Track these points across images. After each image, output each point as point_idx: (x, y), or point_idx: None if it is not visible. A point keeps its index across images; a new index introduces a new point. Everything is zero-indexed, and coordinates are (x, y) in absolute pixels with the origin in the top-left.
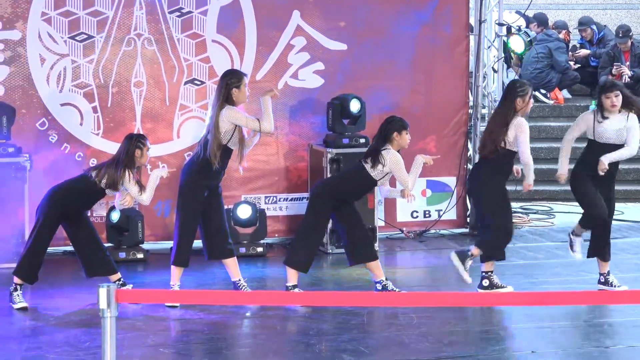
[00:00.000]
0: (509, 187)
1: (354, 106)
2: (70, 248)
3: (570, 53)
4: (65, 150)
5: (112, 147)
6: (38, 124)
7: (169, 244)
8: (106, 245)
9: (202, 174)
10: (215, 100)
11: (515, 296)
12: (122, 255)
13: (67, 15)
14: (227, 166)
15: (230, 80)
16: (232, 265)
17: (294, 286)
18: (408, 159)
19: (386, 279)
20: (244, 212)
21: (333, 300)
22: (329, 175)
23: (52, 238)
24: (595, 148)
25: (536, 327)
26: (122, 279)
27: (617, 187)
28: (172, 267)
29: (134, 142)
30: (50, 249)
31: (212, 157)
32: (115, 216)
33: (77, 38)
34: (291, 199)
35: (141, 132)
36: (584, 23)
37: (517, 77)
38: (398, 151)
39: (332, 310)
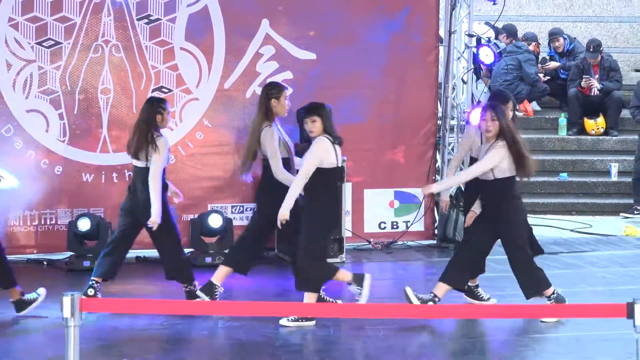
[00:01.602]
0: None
1: None
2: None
3: (539, 65)
4: (31, 157)
5: (78, 155)
6: (3, 130)
7: (136, 252)
8: (68, 254)
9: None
10: (257, 111)
11: (481, 309)
12: (87, 264)
13: (35, 20)
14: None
15: (270, 90)
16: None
17: None
18: (379, 169)
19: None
20: (214, 221)
21: (297, 311)
22: None
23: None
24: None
25: (504, 339)
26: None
27: (585, 200)
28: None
29: (154, 107)
30: (12, 257)
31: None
32: (84, 225)
33: (44, 44)
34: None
35: (107, 137)
36: (555, 33)
37: (486, 89)
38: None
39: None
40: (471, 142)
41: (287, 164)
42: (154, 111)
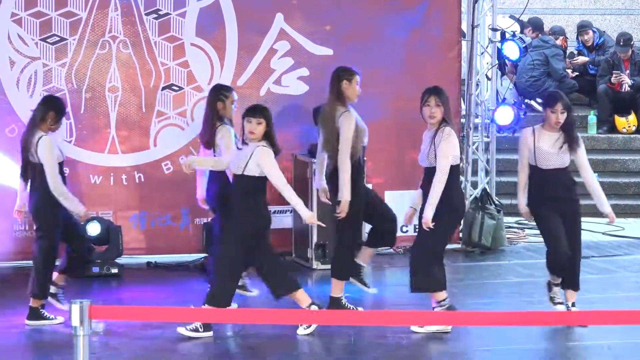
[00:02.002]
0: (504, 201)
1: None
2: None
3: (567, 60)
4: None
5: (85, 156)
6: (7, 131)
7: (147, 258)
8: None
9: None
10: (328, 96)
11: (511, 316)
12: (96, 270)
13: (39, 16)
14: None
15: (342, 72)
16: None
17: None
18: (400, 169)
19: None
20: None
21: (319, 319)
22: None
23: None
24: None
25: (524, 349)
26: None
27: (617, 202)
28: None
29: (215, 94)
30: (17, 263)
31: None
32: (94, 229)
33: (48, 40)
34: (274, 212)
35: (116, 137)
36: (584, 25)
37: (511, 85)
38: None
39: (316, 330)
40: (529, 146)
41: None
42: (214, 98)
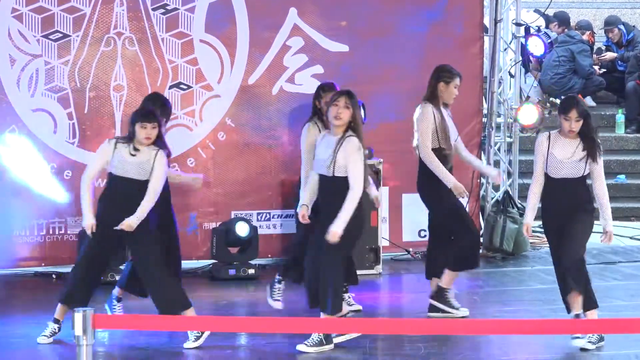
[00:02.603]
0: None
1: None
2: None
3: (594, 56)
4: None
5: (89, 158)
6: (7, 131)
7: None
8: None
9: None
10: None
11: (532, 324)
12: (232, 272)
13: (40, 11)
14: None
15: (442, 73)
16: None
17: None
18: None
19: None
20: (241, 229)
21: (333, 327)
22: None
23: None
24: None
25: (554, 359)
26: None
27: None
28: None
29: (315, 92)
30: (20, 270)
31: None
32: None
33: (51, 37)
34: (286, 216)
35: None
36: (611, 23)
37: (535, 83)
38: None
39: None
40: (543, 152)
41: (441, 154)
42: (314, 96)
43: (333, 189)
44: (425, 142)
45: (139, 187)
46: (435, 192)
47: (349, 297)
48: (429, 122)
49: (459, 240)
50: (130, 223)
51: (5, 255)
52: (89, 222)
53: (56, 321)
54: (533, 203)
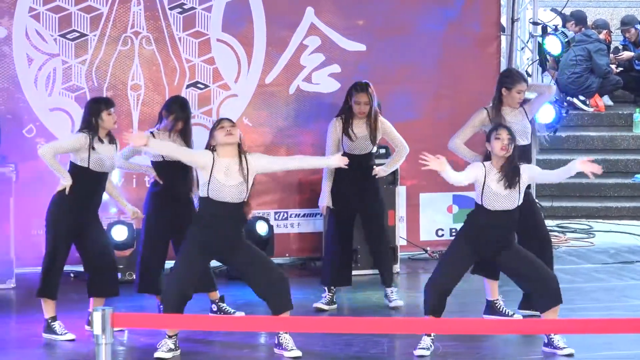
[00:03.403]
0: (545, 203)
1: None
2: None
3: (612, 55)
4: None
5: None
6: (25, 131)
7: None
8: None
9: None
10: None
11: (551, 324)
12: (118, 276)
13: (58, 11)
14: None
15: (504, 78)
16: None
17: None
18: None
19: None
20: (261, 228)
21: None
22: None
23: None
24: None
25: (575, 358)
26: None
27: None
28: None
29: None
30: (37, 269)
31: None
32: (120, 233)
33: (68, 36)
34: (303, 215)
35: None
36: (627, 23)
37: (552, 82)
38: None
39: (346, 338)
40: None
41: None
42: (347, 94)
43: None
44: (456, 135)
45: None
46: None
47: (391, 293)
48: (471, 122)
49: None
50: None
51: (26, 255)
52: None
53: None
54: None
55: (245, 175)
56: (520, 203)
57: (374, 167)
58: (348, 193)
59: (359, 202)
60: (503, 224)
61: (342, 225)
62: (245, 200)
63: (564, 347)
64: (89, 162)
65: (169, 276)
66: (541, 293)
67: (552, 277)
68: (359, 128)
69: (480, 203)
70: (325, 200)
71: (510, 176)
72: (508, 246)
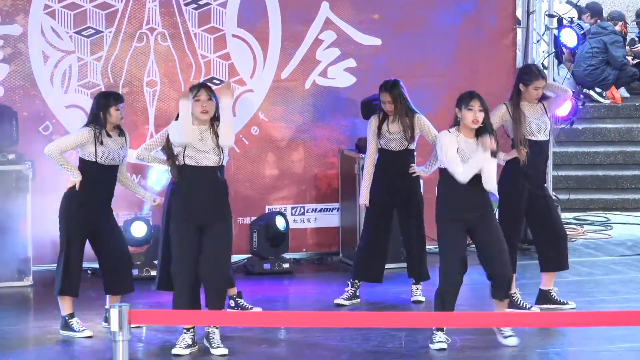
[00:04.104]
0: (562, 196)
1: None
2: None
3: (627, 47)
4: (72, 157)
5: None
6: (41, 128)
7: None
8: None
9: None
10: None
11: (569, 316)
12: (135, 272)
13: (73, 8)
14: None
15: (522, 75)
16: None
17: None
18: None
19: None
20: (280, 223)
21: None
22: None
23: None
24: None
25: (593, 351)
26: None
27: None
28: None
29: None
30: (54, 266)
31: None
32: (139, 230)
33: (83, 33)
34: (320, 210)
35: (154, 136)
36: None
37: (569, 74)
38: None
39: (364, 332)
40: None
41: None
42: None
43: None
44: None
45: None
46: None
47: (416, 290)
48: (490, 117)
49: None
50: None
51: (43, 252)
52: None
53: None
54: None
55: (216, 139)
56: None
57: (412, 165)
58: (383, 189)
59: (395, 198)
60: (475, 185)
61: (375, 220)
62: (223, 164)
63: (510, 336)
64: (96, 156)
65: (172, 271)
66: (493, 282)
67: (505, 273)
68: (393, 125)
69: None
70: (362, 198)
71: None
72: (486, 211)
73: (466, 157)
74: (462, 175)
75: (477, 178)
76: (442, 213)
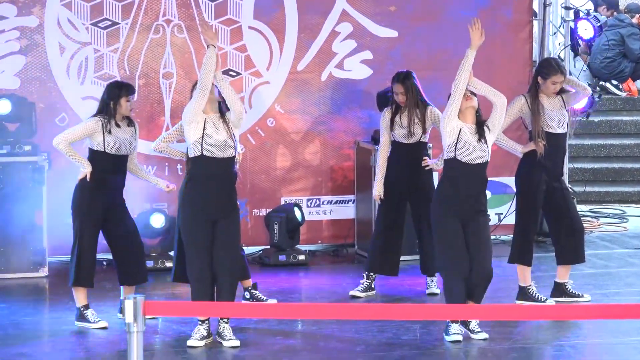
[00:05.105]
0: (577, 188)
1: None
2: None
3: None
4: (80, 147)
5: (139, 146)
6: (57, 120)
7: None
8: None
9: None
10: None
11: (585, 309)
12: (150, 264)
13: None
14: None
15: (541, 69)
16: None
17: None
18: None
19: None
20: (299, 215)
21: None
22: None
23: None
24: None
25: (608, 343)
26: None
27: None
28: None
29: None
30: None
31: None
32: (157, 221)
33: (100, 25)
34: (336, 202)
35: (171, 128)
36: None
37: (585, 67)
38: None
39: (379, 324)
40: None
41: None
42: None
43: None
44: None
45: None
46: None
47: (431, 282)
48: (509, 109)
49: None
50: None
51: (58, 243)
52: None
53: None
54: None
55: (229, 130)
56: (489, 158)
57: (425, 158)
58: (396, 181)
59: (408, 190)
60: (476, 177)
61: (389, 212)
62: (235, 155)
63: (479, 332)
64: (104, 146)
65: (187, 263)
66: (472, 280)
67: (484, 274)
68: (405, 117)
69: (453, 156)
70: (376, 190)
71: (481, 128)
72: (482, 208)
73: (464, 143)
74: (458, 78)
75: (477, 175)
76: (438, 206)
